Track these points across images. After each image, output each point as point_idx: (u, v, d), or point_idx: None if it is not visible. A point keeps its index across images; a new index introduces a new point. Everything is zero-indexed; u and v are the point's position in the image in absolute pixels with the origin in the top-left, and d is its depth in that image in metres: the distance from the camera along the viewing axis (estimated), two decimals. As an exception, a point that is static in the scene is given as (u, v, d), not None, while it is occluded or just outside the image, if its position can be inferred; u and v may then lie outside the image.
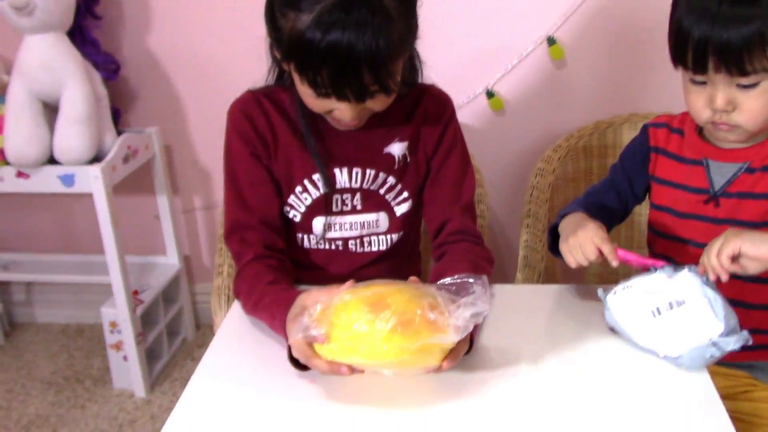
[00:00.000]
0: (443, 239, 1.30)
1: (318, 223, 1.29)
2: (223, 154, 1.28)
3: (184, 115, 2.16)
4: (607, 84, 1.98)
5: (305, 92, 1.12)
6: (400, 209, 1.31)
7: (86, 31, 1.90)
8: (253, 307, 1.16)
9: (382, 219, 1.31)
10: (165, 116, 2.15)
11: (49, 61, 1.79)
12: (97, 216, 1.88)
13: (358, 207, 1.29)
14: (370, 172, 1.27)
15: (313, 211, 1.28)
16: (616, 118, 1.82)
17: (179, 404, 0.98)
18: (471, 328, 0.92)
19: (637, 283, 1.07)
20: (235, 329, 1.17)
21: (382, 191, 1.29)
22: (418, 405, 0.97)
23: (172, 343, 2.26)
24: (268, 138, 1.24)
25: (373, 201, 1.30)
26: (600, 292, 1.11)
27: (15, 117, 1.81)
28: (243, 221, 1.25)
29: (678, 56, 1.11)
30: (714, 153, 1.21)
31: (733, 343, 0.99)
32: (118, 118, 2.06)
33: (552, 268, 1.68)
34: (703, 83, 1.11)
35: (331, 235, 1.30)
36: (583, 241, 1.11)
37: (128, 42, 2.05)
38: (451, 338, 0.91)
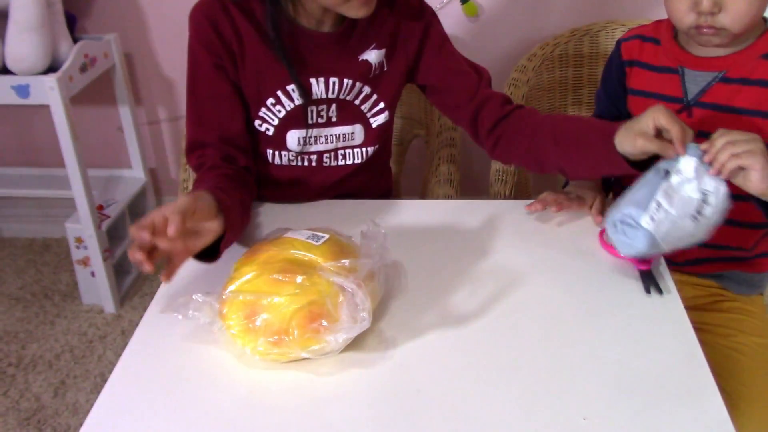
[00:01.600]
0: (497, 116, 1.22)
1: (292, 137, 1.23)
2: (188, 62, 1.19)
3: (145, 20, 2.05)
4: (586, -12, 1.91)
5: None
6: (376, 121, 1.26)
7: (34, -71, 1.77)
8: None
9: (357, 131, 1.26)
10: (124, 22, 2.05)
11: (-6, -38, 1.67)
12: (56, 128, 1.81)
13: (333, 119, 1.23)
14: (347, 82, 1.20)
15: (287, 124, 1.22)
16: (593, 25, 1.76)
17: (145, 318, 0.96)
18: (355, 335, 0.88)
19: (660, 196, 0.97)
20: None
21: (357, 101, 1.23)
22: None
23: (141, 257, 2.23)
24: (235, 46, 1.15)
25: (349, 112, 1.24)
26: (618, 226, 1.01)
27: (-39, 24, 1.71)
28: (201, 138, 1.18)
29: None
30: (690, 61, 1.18)
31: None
32: (73, 24, 1.95)
33: (524, 182, 1.65)
34: None
35: (305, 149, 1.26)
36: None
37: (81, -59, 1.94)
38: (332, 350, 0.87)
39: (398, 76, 1.25)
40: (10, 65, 1.75)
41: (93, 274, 2.03)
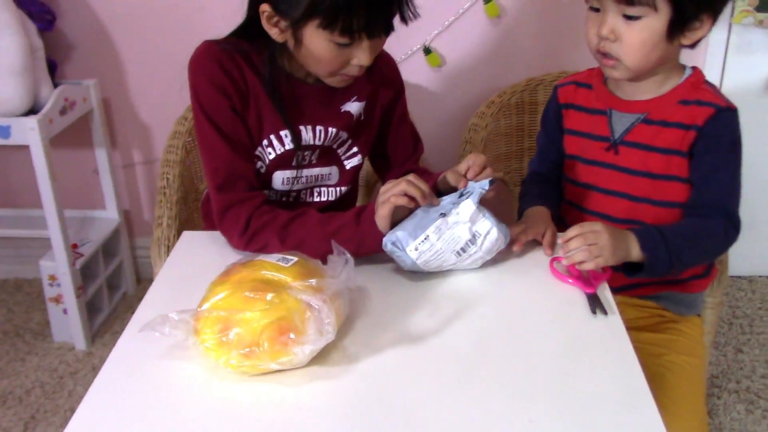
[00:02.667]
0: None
1: (278, 177, 1.32)
2: (194, 110, 1.26)
3: (123, 67, 2.14)
4: (540, 42, 2.04)
5: (324, 49, 1.15)
6: (350, 163, 1.37)
7: (20, -20, 1.87)
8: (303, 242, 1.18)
9: (333, 172, 1.37)
10: (103, 69, 2.13)
11: (-20, 9, 1.76)
12: (35, 169, 1.87)
13: (314, 161, 1.34)
14: (331, 130, 1.31)
15: (276, 165, 1.31)
16: (547, 75, 1.89)
17: (112, 354, 1.00)
18: (321, 347, 0.95)
19: (431, 231, 1.13)
20: (171, 279, 1.19)
21: (335, 146, 1.34)
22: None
23: (113, 296, 2.28)
24: (243, 89, 1.25)
25: (327, 156, 1.35)
26: (390, 246, 1.15)
27: (-54, 67, 1.78)
28: (241, 171, 1.25)
29: None
30: (617, 103, 1.30)
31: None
32: (54, 70, 2.03)
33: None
34: (597, 10, 1.20)
35: (291, 187, 1.35)
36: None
37: (64, -8, 2.03)
38: (300, 362, 0.94)
39: (374, 126, 1.38)
40: (-8, 107, 1.82)
41: (65, 311, 2.06)
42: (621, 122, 1.30)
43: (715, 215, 1.23)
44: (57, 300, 2.07)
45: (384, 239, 1.15)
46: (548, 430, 0.87)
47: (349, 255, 1.03)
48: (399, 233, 1.13)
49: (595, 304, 1.10)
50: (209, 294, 0.98)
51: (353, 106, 1.32)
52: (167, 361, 0.99)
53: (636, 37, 1.17)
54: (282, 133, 1.28)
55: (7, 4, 1.80)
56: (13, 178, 2.31)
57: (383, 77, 1.36)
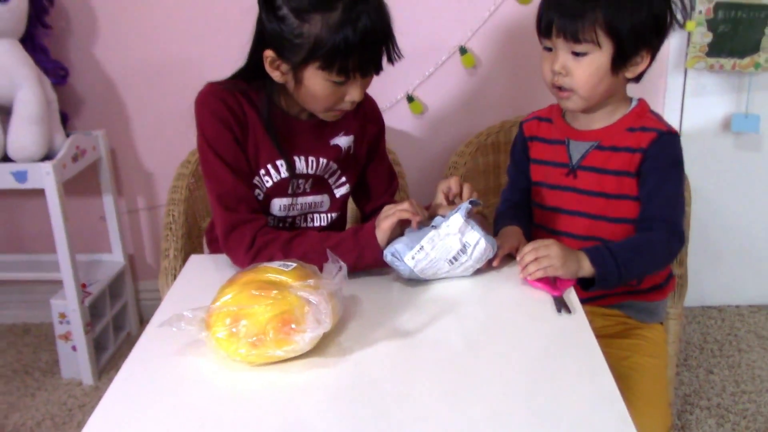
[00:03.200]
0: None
1: (275, 204, 1.47)
2: (200, 144, 1.39)
3: (128, 120, 2.32)
4: (512, 89, 2.23)
5: (322, 88, 1.31)
6: (339, 192, 1.53)
7: (37, 39, 2.06)
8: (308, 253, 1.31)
9: (325, 200, 1.52)
10: (110, 121, 2.30)
11: (4, 65, 1.94)
12: (49, 212, 2.02)
13: (308, 189, 1.49)
14: (322, 161, 1.47)
15: (272, 192, 1.46)
16: (519, 117, 2.05)
17: (111, 388, 1.06)
18: (317, 338, 1.09)
19: (425, 241, 1.28)
20: (180, 295, 1.31)
21: (326, 176, 1.50)
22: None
23: (118, 336, 2.40)
24: (243, 122, 1.40)
25: (319, 185, 1.50)
26: (390, 257, 1.29)
27: (-30, 118, 1.95)
28: (244, 195, 1.38)
29: (538, 28, 1.39)
30: (574, 133, 1.48)
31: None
32: (65, 122, 2.20)
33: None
34: (550, 49, 1.37)
35: (288, 214, 1.49)
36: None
37: (76, 50, 2.21)
38: (301, 349, 1.08)
39: (360, 159, 1.54)
40: (11, 154, 1.97)
41: (74, 348, 2.18)
42: (577, 150, 1.46)
43: (660, 227, 1.37)
44: (66, 337, 2.18)
45: (384, 251, 1.30)
46: (519, 416, 0.99)
47: (342, 263, 1.18)
48: (397, 245, 1.29)
49: (560, 304, 1.22)
50: (219, 295, 1.12)
51: (342, 140, 1.48)
52: (180, 357, 1.11)
53: (584, 71, 1.34)
54: (278, 162, 1.43)
55: (26, 60, 1.98)
56: (24, 225, 2.45)
57: (366, 115, 1.53)
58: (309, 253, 1.32)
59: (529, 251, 1.28)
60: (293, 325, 1.06)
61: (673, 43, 2.19)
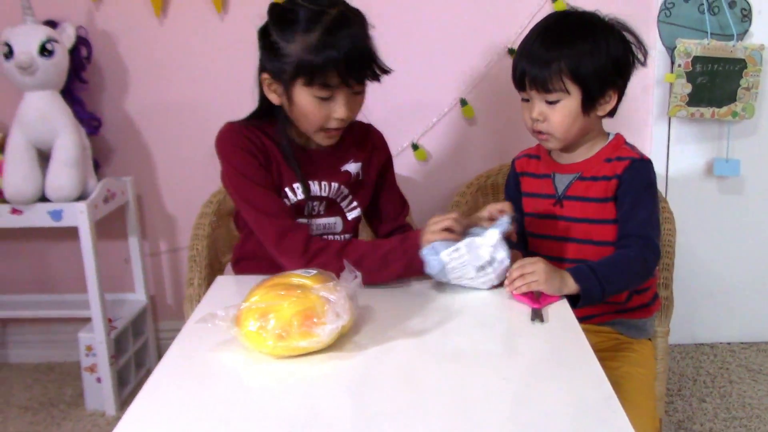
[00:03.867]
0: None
1: None
2: (229, 176, 1.54)
3: (153, 168, 2.50)
4: (509, 136, 2.41)
5: (308, 104, 1.46)
6: (351, 215, 1.68)
7: (75, 92, 2.26)
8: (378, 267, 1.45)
9: (338, 222, 1.67)
10: (137, 169, 2.49)
11: (46, 113, 2.13)
12: (81, 250, 2.18)
13: (322, 212, 1.65)
14: (334, 185, 1.63)
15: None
16: (516, 160, 2.24)
17: (127, 414, 1.11)
18: (337, 330, 1.22)
19: (463, 244, 1.40)
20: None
21: (338, 200, 1.66)
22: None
23: (139, 372, 2.52)
24: (264, 151, 1.56)
25: (332, 208, 1.66)
26: (426, 250, 1.42)
27: (13, 161, 2.13)
28: (285, 207, 1.54)
29: (514, 81, 1.56)
30: (558, 167, 1.64)
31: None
32: (97, 169, 2.38)
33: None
34: (527, 100, 1.55)
35: None
36: None
37: (107, 103, 2.42)
38: (323, 341, 1.21)
39: (370, 184, 1.70)
40: (49, 194, 2.15)
41: (98, 379, 2.30)
42: (562, 182, 1.62)
43: (635, 243, 1.49)
44: (92, 369, 2.31)
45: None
46: (521, 416, 1.13)
47: (358, 272, 1.32)
48: (437, 243, 1.43)
49: (536, 315, 1.32)
50: (248, 297, 1.27)
51: (351, 167, 1.65)
52: (214, 354, 1.25)
53: (558, 116, 1.52)
54: (295, 185, 1.58)
55: (66, 110, 2.18)
56: (53, 266, 2.60)
57: (374, 146, 1.70)
58: (363, 260, 1.44)
59: (516, 268, 1.39)
60: (315, 319, 1.21)
61: (656, 94, 2.38)
